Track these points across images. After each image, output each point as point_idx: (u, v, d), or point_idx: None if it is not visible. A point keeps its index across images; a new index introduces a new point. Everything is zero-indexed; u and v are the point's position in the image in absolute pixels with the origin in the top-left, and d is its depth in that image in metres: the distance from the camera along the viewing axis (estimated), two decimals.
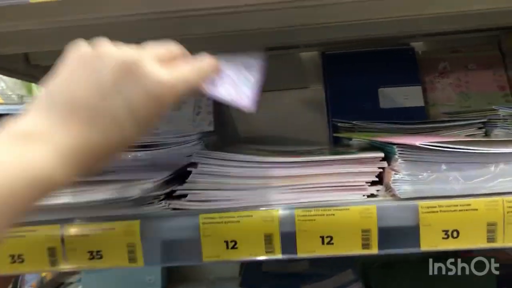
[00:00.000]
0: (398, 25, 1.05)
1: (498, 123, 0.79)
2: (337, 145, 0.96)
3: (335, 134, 0.84)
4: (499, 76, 1.14)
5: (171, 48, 0.46)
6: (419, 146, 0.51)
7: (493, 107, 0.80)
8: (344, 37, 1.12)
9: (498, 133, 0.78)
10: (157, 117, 0.44)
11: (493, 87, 1.13)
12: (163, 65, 0.43)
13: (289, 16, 0.96)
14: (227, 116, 1.23)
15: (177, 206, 0.57)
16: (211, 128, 1.09)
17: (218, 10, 0.78)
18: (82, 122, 0.40)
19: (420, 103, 1.10)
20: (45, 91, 0.42)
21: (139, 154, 0.81)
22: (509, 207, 0.52)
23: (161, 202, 0.57)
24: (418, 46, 1.18)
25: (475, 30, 1.15)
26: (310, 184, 0.56)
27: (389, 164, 0.57)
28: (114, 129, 0.41)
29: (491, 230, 0.52)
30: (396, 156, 0.54)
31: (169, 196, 0.59)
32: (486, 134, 0.81)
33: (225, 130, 1.21)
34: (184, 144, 0.82)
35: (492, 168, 0.52)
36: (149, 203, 0.57)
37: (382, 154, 0.57)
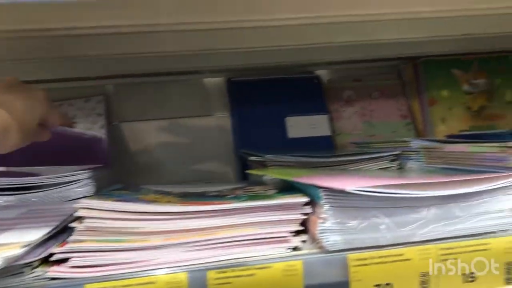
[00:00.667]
0: (303, 53, 1.02)
1: (412, 155, 0.77)
2: (247, 179, 0.89)
3: (247, 171, 0.76)
4: (401, 105, 1.16)
5: None
6: (349, 191, 0.44)
7: (405, 139, 0.78)
8: (250, 63, 1.08)
9: (412, 166, 0.76)
10: None
11: (396, 116, 1.15)
12: None
13: (191, 40, 0.88)
14: (122, 146, 1.11)
15: (55, 275, 0.44)
16: (104, 161, 0.96)
17: (108, 30, 0.68)
18: None
19: (327, 132, 1.08)
20: None
21: (10, 199, 0.66)
22: (443, 254, 0.47)
23: (35, 270, 0.44)
24: (323, 74, 1.17)
25: (377, 60, 1.17)
26: (225, 238, 0.46)
27: (313, 208, 0.50)
28: None
29: (424, 281, 0.47)
30: (322, 202, 0.47)
31: (47, 261, 0.46)
32: (400, 167, 0.79)
33: (121, 163, 1.09)
34: (71, 185, 0.68)
35: (424, 213, 0.48)
36: (17, 273, 0.43)
37: (306, 199, 0.50)
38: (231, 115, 1.11)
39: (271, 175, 0.64)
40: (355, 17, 0.81)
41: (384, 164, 0.79)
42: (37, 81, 0.99)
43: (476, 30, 0.97)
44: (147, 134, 1.11)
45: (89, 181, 0.70)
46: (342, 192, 0.45)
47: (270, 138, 1.06)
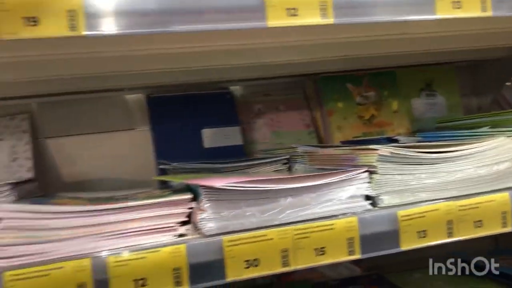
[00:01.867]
0: (216, 71, 1.15)
1: (298, 159, 0.92)
2: (164, 187, 1.00)
3: (154, 178, 0.87)
4: (305, 116, 1.31)
5: None
6: (220, 188, 0.57)
7: (292, 145, 0.93)
8: (168, 81, 1.19)
9: (298, 167, 0.91)
10: None
11: (300, 126, 1.29)
12: None
13: (109, 63, 0.98)
14: (48, 161, 1.17)
15: None
16: (30, 175, 1.04)
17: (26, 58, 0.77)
18: None
19: (239, 141, 1.20)
20: None
21: None
22: (297, 234, 0.61)
23: None
24: (236, 90, 1.29)
25: (284, 76, 1.32)
26: (122, 230, 0.58)
27: (197, 205, 0.63)
28: None
29: (284, 256, 0.61)
30: (202, 197, 0.60)
31: None
32: (289, 169, 0.93)
33: (47, 177, 1.15)
34: None
35: (282, 202, 0.61)
36: None
37: (190, 196, 0.62)
38: (152, 128, 1.20)
39: (173, 180, 0.76)
40: (264, 44, 0.94)
41: (278, 167, 0.93)
42: None
43: (365, 52, 1.14)
44: (72, 149, 1.18)
45: (11, 192, 0.79)
46: (214, 188, 0.58)
47: (188, 149, 1.17)
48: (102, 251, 0.57)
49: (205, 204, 0.59)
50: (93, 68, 1.02)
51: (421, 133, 1.06)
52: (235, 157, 1.11)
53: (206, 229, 0.59)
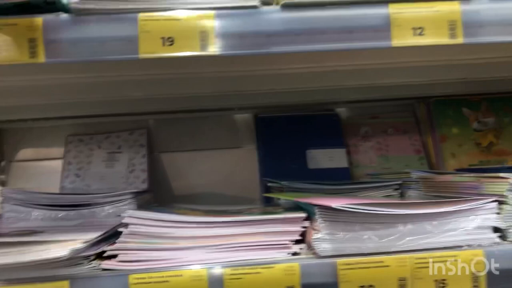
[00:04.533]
0: (323, 93, 1.15)
1: (412, 185, 0.87)
2: (269, 204, 1.01)
3: (264, 194, 0.88)
4: (414, 141, 1.25)
5: None
6: (336, 208, 0.56)
7: (406, 170, 0.89)
8: (275, 102, 1.21)
9: (411, 194, 0.86)
10: None
11: (409, 151, 1.24)
12: None
13: (224, 83, 1.03)
14: (161, 174, 1.24)
15: (107, 267, 0.58)
16: (145, 186, 1.10)
17: (155, 76, 0.83)
18: None
19: (344, 164, 1.18)
20: None
21: (70, 213, 0.81)
22: (417, 263, 0.57)
23: (91, 262, 0.57)
24: (342, 111, 1.28)
25: (393, 99, 1.28)
26: (238, 243, 0.59)
27: (311, 224, 0.62)
28: None
29: (402, 285, 0.57)
30: (317, 217, 0.59)
31: (100, 256, 0.59)
32: (401, 195, 0.89)
33: (160, 188, 1.22)
34: (117, 204, 0.83)
35: (401, 228, 0.59)
36: (78, 264, 0.57)
37: (304, 214, 0.62)
38: (258, 147, 1.22)
39: (283, 197, 0.76)
40: (375, 65, 0.93)
41: (389, 192, 0.89)
42: (95, 116, 1.15)
43: (487, 74, 1.07)
44: (183, 163, 1.25)
45: (131, 200, 0.84)
46: (331, 208, 0.57)
47: (293, 169, 1.17)
48: (218, 262, 0.58)
49: (320, 224, 0.58)
50: (207, 87, 1.07)
51: None
52: (339, 180, 1.09)
53: (320, 249, 0.58)
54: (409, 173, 0.90)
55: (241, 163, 1.25)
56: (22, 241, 0.59)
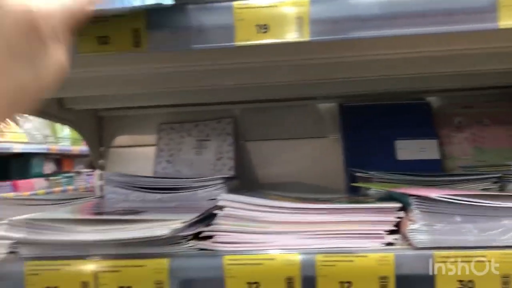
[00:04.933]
0: (413, 81, 1.10)
1: None
2: (354, 194, 0.99)
3: (353, 184, 0.87)
4: None
5: None
6: (435, 198, 0.54)
7: (507, 162, 0.83)
8: (361, 90, 1.18)
9: None
10: (43, 44, 0.41)
11: (507, 143, 1.16)
12: None
13: (308, 71, 1.02)
14: (246, 162, 1.27)
15: (203, 247, 0.60)
16: (232, 173, 1.14)
17: (245, 64, 0.85)
18: None
19: (436, 156, 1.13)
20: None
21: (165, 196, 0.86)
22: None
23: (189, 242, 0.60)
24: (434, 100, 1.22)
25: (489, 87, 1.20)
26: (331, 230, 0.59)
27: (406, 214, 0.60)
28: (7, 73, 0.39)
29: (505, 282, 0.54)
30: (413, 207, 0.57)
31: (196, 236, 0.62)
32: (501, 189, 0.83)
33: (244, 176, 1.25)
34: (208, 188, 0.86)
35: (506, 222, 0.55)
36: (177, 243, 0.60)
37: (400, 204, 0.60)
38: (343, 137, 1.21)
39: (374, 187, 0.75)
40: (472, 50, 0.87)
41: (487, 185, 0.84)
42: (185, 105, 1.20)
43: None
44: (268, 152, 1.27)
45: (221, 186, 0.87)
46: (429, 199, 0.55)
47: (380, 159, 1.14)
48: (311, 248, 0.58)
49: (417, 214, 0.57)
50: (292, 76, 1.07)
51: None
52: (430, 172, 1.05)
53: (416, 240, 0.56)
54: (510, 165, 0.84)
55: (326, 152, 1.25)
56: (125, 219, 0.63)
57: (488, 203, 0.54)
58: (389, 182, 0.86)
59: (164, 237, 0.57)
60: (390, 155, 1.14)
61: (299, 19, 0.57)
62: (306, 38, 0.57)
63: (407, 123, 1.17)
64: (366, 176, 0.92)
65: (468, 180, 0.83)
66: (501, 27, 0.56)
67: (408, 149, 1.14)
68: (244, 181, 1.22)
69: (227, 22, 0.59)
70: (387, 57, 0.91)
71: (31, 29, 0.40)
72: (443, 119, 1.20)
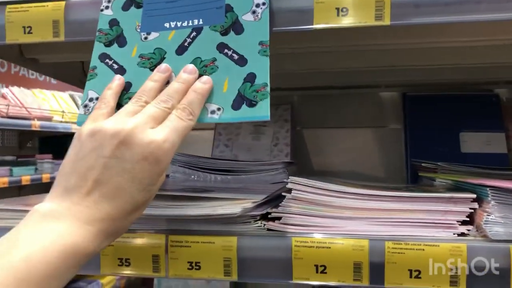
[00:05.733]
0: (481, 71, 1.07)
1: None
2: (416, 184, 0.97)
3: (421, 174, 0.86)
4: None
5: (164, 101, 0.52)
6: None
7: None
8: (426, 79, 1.15)
9: None
10: (161, 174, 0.50)
11: None
12: (156, 122, 0.50)
13: (372, 57, 1.00)
14: (302, 149, 1.27)
15: (271, 228, 0.61)
16: (288, 159, 1.14)
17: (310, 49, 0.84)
18: (95, 197, 0.47)
19: (503, 150, 1.09)
20: (59, 174, 0.50)
21: (228, 177, 0.87)
22: None
23: (257, 222, 0.62)
24: (502, 92, 1.17)
25: None
26: (402, 218, 0.58)
27: (480, 206, 0.59)
28: (124, 198, 0.48)
29: None
30: (489, 198, 0.55)
31: (264, 217, 0.63)
32: None
33: (300, 163, 1.25)
34: (271, 172, 0.87)
35: None
36: (245, 222, 0.61)
37: (474, 195, 0.59)
38: (405, 127, 1.18)
39: (444, 178, 0.73)
40: None
41: None
42: None
43: None
44: (326, 140, 1.26)
45: (283, 170, 0.88)
46: (507, 190, 0.53)
47: (443, 151, 1.11)
48: (381, 235, 0.58)
49: (493, 206, 0.55)
50: (356, 62, 1.05)
51: None
52: (498, 166, 1.01)
53: (492, 232, 0.55)
54: None
55: (386, 142, 1.23)
56: (198, 196, 0.65)
57: None
58: (456, 174, 0.83)
59: (235, 215, 0.58)
60: (455, 147, 1.11)
61: (380, 2, 0.56)
62: (386, 22, 0.56)
63: (473, 115, 1.13)
64: (432, 167, 0.90)
65: None
66: None
67: (474, 142, 1.11)
68: (301, 168, 1.23)
69: (306, 4, 0.58)
70: (456, 45, 0.88)
71: (156, 163, 0.49)
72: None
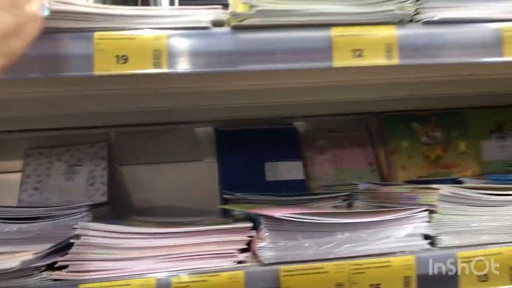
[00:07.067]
0: (282, 108, 1.19)
1: (359, 196, 0.92)
2: (227, 215, 1.04)
3: (218, 206, 0.92)
4: (368, 154, 1.30)
5: None
6: (278, 217, 0.60)
7: (354, 182, 0.94)
8: (236, 116, 1.24)
9: (358, 204, 0.91)
10: None
11: (363, 163, 1.29)
12: None
13: (183, 98, 1.05)
14: (122, 187, 1.25)
15: (57, 277, 0.60)
16: (104, 199, 1.11)
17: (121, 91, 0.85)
18: None
19: (301, 176, 1.22)
20: None
21: (24, 226, 0.82)
22: (353, 269, 0.62)
23: (42, 273, 0.59)
24: (300, 125, 1.32)
25: (348, 114, 1.33)
26: (185, 253, 0.62)
27: (257, 233, 0.65)
28: None
29: None
30: (262, 226, 0.62)
31: (52, 267, 0.61)
32: (349, 205, 0.93)
33: (120, 201, 1.23)
34: (72, 216, 0.84)
35: (339, 236, 0.63)
36: (29, 275, 0.58)
37: (251, 224, 0.65)
38: (218, 160, 1.25)
39: (236, 208, 0.80)
40: (329, 83, 0.97)
41: (338, 202, 0.94)
42: (55, 129, 1.16)
43: (432, 92, 1.14)
44: (144, 176, 1.26)
45: (87, 213, 0.85)
46: (273, 218, 0.61)
47: (251, 181, 1.20)
48: (166, 272, 0.60)
49: (265, 233, 0.62)
50: (167, 102, 1.09)
51: (490, 176, 1.03)
52: (296, 191, 1.13)
53: (264, 257, 0.61)
54: (356, 185, 0.95)
55: (202, 176, 1.27)
56: None
57: (322, 220, 0.61)
58: (254, 203, 0.92)
59: (13, 270, 0.55)
60: (261, 176, 1.21)
61: (158, 52, 0.60)
62: (164, 70, 0.60)
63: (275, 146, 1.25)
64: (234, 198, 0.97)
65: (321, 198, 0.92)
66: (335, 66, 0.65)
67: (276, 171, 1.22)
68: (119, 207, 1.20)
69: (87, 51, 0.59)
70: (255, 87, 0.98)
71: None
72: (308, 142, 1.30)
